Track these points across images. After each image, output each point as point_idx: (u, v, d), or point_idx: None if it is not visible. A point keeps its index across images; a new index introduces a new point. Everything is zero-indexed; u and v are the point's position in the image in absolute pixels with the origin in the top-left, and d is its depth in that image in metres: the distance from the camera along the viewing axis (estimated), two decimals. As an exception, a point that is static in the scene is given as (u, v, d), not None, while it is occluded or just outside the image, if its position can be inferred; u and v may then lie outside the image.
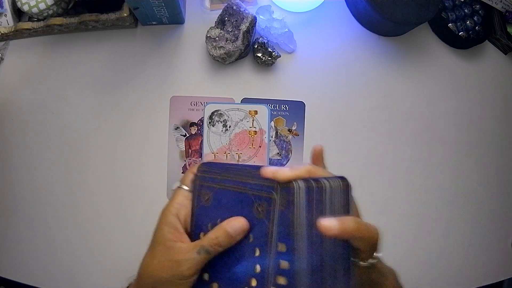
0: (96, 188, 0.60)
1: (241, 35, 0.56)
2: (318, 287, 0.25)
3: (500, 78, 0.67)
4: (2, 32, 0.58)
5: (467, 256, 0.63)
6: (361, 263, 0.28)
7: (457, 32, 0.64)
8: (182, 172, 0.61)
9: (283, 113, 0.62)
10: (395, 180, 0.63)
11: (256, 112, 0.60)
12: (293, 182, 0.26)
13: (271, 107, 0.61)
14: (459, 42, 0.65)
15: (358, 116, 0.63)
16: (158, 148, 0.61)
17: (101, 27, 0.60)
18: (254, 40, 0.60)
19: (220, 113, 0.60)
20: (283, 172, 0.26)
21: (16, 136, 0.60)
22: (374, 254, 0.28)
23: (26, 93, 0.61)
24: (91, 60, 0.61)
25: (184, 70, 0.62)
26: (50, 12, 0.57)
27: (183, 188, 0.32)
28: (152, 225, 0.32)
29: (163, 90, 0.61)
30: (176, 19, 0.60)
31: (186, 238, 0.30)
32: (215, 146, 0.60)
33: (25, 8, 0.56)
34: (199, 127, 0.61)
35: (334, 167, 0.62)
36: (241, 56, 0.60)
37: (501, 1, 0.65)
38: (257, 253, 0.27)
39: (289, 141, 0.62)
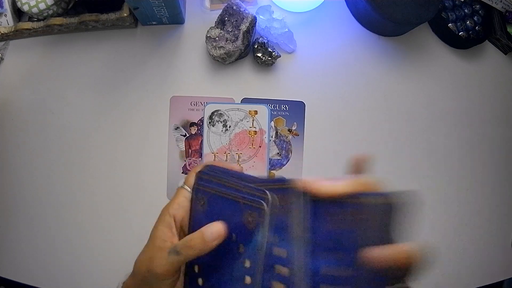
0: (96, 188, 0.60)
1: (241, 35, 0.56)
2: None
3: (500, 78, 0.67)
4: (2, 32, 0.58)
5: (467, 256, 0.64)
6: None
7: (457, 32, 0.64)
8: (182, 172, 0.61)
9: (283, 113, 0.62)
10: (394, 180, 0.63)
11: (256, 112, 0.60)
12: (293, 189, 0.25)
13: (271, 107, 0.61)
14: (459, 42, 0.65)
15: (358, 116, 0.63)
16: (158, 148, 0.61)
17: (101, 27, 0.60)
18: (254, 40, 0.60)
19: (220, 113, 0.60)
20: (323, 187, 0.23)
21: (16, 136, 0.60)
22: (406, 279, 0.24)
23: (26, 93, 0.61)
24: (91, 60, 0.61)
25: (184, 70, 0.62)
26: (50, 12, 0.57)
27: (185, 188, 0.32)
28: (152, 225, 0.32)
29: (163, 90, 0.61)
30: (176, 19, 0.60)
31: (176, 239, 0.30)
32: (215, 146, 0.60)
33: (25, 8, 0.56)
34: (199, 127, 0.61)
35: (334, 167, 0.62)
36: (241, 56, 0.60)
37: (501, 1, 0.65)
38: (247, 264, 0.27)
39: (289, 141, 0.62)
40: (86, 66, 0.61)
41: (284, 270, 0.25)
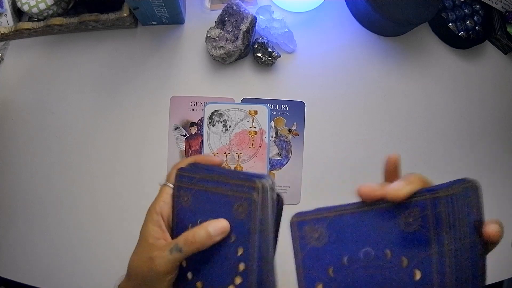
0: (96, 188, 0.60)
1: (241, 35, 0.56)
2: None
3: (500, 78, 0.67)
4: (2, 32, 0.58)
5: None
6: None
7: (457, 32, 0.64)
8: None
9: (283, 113, 0.62)
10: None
11: (256, 112, 0.60)
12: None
13: (271, 107, 0.61)
14: (459, 42, 0.65)
15: (358, 116, 0.63)
16: (158, 148, 0.61)
17: (101, 27, 0.60)
18: (254, 40, 0.60)
19: (220, 113, 0.60)
20: (397, 192, 0.22)
21: (16, 136, 0.60)
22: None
23: (26, 93, 0.61)
24: (91, 60, 0.61)
25: (184, 70, 0.62)
26: (50, 12, 0.57)
27: (168, 185, 0.32)
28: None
29: (163, 90, 0.61)
30: (176, 19, 0.60)
31: (168, 236, 0.30)
32: (215, 146, 0.60)
33: (25, 8, 0.56)
34: (199, 127, 0.61)
35: (334, 167, 0.62)
36: (241, 56, 0.60)
37: (501, 1, 0.65)
38: (240, 251, 0.27)
39: (289, 141, 0.62)
40: (86, 66, 0.61)
41: (241, 266, 0.26)
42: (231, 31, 0.57)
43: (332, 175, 0.62)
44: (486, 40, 0.66)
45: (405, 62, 0.65)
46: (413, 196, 0.23)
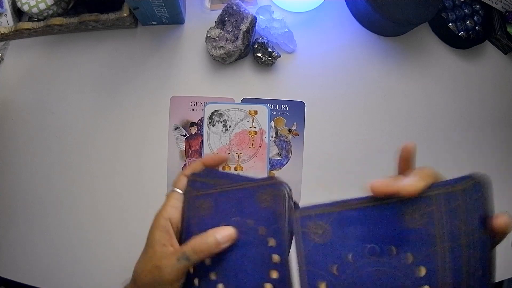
0: (96, 188, 0.60)
1: (241, 35, 0.56)
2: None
3: (500, 78, 0.67)
4: (2, 32, 0.58)
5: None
6: None
7: (457, 32, 0.64)
8: (182, 172, 0.61)
9: (283, 113, 0.62)
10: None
11: (256, 112, 0.60)
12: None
13: (271, 107, 0.61)
14: (459, 42, 0.65)
15: (358, 116, 0.63)
16: (158, 148, 0.61)
17: (101, 27, 0.60)
18: (254, 40, 0.60)
19: (220, 113, 0.60)
20: (411, 187, 0.22)
21: (16, 136, 0.60)
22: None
23: (26, 93, 0.61)
24: (91, 60, 0.61)
25: (184, 70, 0.62)
26: (50, 12, 0.57)
27: (176, 191, 0.32)
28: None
29: (163, 90, 0.61)
30: (176, 19, 0.60)
31: (175, 242, 0.30)
32: (215, 146, 0.60)
33: (25, 8, 0.56)
34: (199, 127, 0.61)
35: (334, 167, 0.62)
36: (241, 56, 0.60)
37: (501, 1, 0.65)
38: (272, 242, 0.26)
39: (289, 141, 0.62)
40: (86, 66, 0.61)
41: (275, 258, 0.25)
42: (231, 31, 0.57)
43: (332, 175, 0.62)
44: (486, 40, 0.66)
45: (405, 62, 0.65)
46: (428, 190, 0.22)
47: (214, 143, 0.60)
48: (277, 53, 0.60)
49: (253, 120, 0.60)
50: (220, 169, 0.34)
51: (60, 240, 0.59)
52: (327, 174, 0.62)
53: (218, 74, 0.62)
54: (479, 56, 0.67)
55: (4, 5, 0.57)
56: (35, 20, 0.58)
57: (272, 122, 0.61)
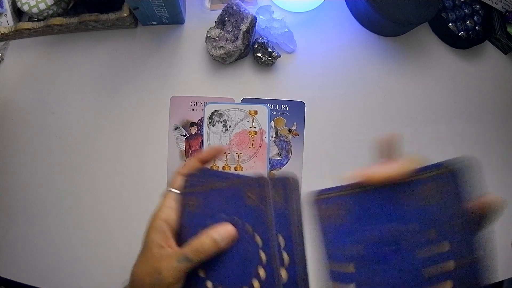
0: (96, 188, 0.60)
1: (241, 35, 0.56)
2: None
3: (500, 78, 0.67)
4: (2, 32, 0.58)
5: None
6: None
7: (457, 32, 0.64)
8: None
9: (283, 113, 0.62)
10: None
11: (256, 112, 0.60)
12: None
13: (271, 107, 0.61)
14: (459, 42, 0.65)
15: (358, 116, 0.63)
16: (158, 148, 0.61)
17: (101, 27, 0.60)
18: (254, 40, 0.60)
19: (220, 113, 0.60)
20: (400, 170, 0.23)
21: (16, 136, 0.60)
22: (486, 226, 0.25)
23: (26, 93, 0.61)
24: (91, 60, 0.61)
25: (184, 70, 0.62)
26: (50, 12, 0.57)
27: (172, 191, 0.31)
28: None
29: (163, 90, 0.61)
30: (176, 19, 0.60)
31: (173, 243, 0.29)
32: (215, 146, 0.60)
33: (25, 8, 0.56)
34: (199, 127, 0.61)
35: (334, 167, 0.62)
36: (241, 56, 0.60)
37: (501, 1, 0.65)
38: (258, 240, 0.26)
39: (289, 141, 0.62)
40: (86, 66, 0.61)
41: (263, 256, 0.25)
42: (231, 31, 0.57)
43: (332, 175, 0.62)
44: (486, 40, 0.66)
45: (405, 62, 0.65)
46: (417, 174, 0.24)
47: (214, 143, 0.60)
48: (277, 53, 0.60)
49: (253, 120, 0.60)
50: (220, 168, 0.34)
51: (60, 240, 0.59)
52: (327, 174, 0.62)
53: (218, 74, 0.62)
54: (479, 56, 0.67)
55: (4, 5, 0.57)
56: (35, 20, 0.58)
57: (272, 122, 0.61)
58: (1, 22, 0.58)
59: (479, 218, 0.23)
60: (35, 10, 0.56)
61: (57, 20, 0.57)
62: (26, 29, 0.58)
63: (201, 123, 0.61)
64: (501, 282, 0.65)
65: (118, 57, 0.61)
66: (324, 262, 0.25)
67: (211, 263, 0.28)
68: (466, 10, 0.65)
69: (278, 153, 0.62)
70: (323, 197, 0.26)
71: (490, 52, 0.68)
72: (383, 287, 0.23)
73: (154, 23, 0.61)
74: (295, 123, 0.62)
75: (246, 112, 0.60)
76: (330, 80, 0.63)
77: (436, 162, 0.25)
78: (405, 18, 0.58)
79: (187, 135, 0.61)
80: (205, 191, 0.29)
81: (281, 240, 0.26)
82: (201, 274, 0.29)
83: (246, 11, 0.57)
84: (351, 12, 0.64)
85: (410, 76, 0.65)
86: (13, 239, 0.59)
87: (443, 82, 0.66)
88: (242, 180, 0.27)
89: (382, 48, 0.64)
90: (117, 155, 0.61)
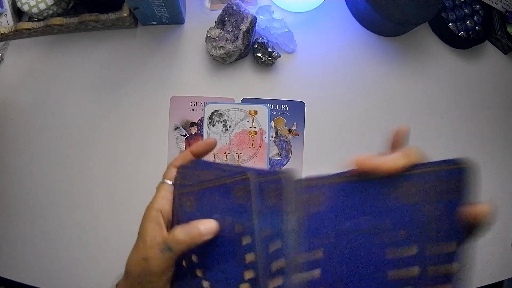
0: (96, 188, 0.60)
1: (241, 35, 0.56)
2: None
3: (500, 78, 0.67)
4: (2, 32, 0.58)
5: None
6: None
7: (457, 32, 0.64)
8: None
9: (283, 113, 0.62)
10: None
11: (256, 112, 0.60)
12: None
13: (271, 107, 0.61)
14: (459, 42, 0.65)
15: (358, 116, 0.63)
16: (158, 148, 0.61)
17: (101, 27, 0.60)
18: (254, 40, 0.60)
19: (220, 113, 0.60)
20: (390, 162, 0.23)
21: (16, 136, 0.60)
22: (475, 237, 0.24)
23: (26, 93, 0.61)
24: (91, 60, 0.61)
25: (184, 70, 0.62)
26: (50, 12, 0.57)
27: (166, 182, 0.32)
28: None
29: (163, 90, 0.61)
30: (176, 19, 0.60)
31: (165, 233, 0.30)
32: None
33: (25, 8, 0.56)
34: (199, 127, 0.61)
35: (334, 167, 0.62)
36: (241, 56, 0.60)
37: (501, 1, 0.65)
38: (246, 240, 0.26)
39: (289, 141, 0.62)
40: (86, 66, 0.61)
41: (249, 257, 0.25)
42: (231, 31, 0.57)
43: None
44: (486, 40, 0.66)
45: (405, 62, 0.65)
46: (411, 169, 0.23)
47: (214, 143, 0.60)
48: (277, 53, 0.60)
49: (253, 120, 0.60)
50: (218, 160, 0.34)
51: (60, 240, 0.59)
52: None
53: (218, 74, 0.62)
54: (479, 56, 0.67)
55: (4, 5, 0.57)
56: (35, 20, 0.58)
57: (272, 122, 0.61)
58: (1, 22, 0.58)
59: (465, 228, 0.22)
60: (35, 10, 0.56)
61: (57, 20, 0.57)
62: (26, 29, 0.58)
63: (201, 123, 0.61)
64: (501, 282, 0.65)
65: (118, 57, 0.61)
66: (294, 254, 0.25)
67: (207, 263, 0.28)
68: (466, 10, 0.65)
69: (278, 153, 0.62)
70: (306, 185, 0.26)
71: (490, 52, 0.68)
72: (347, 280, 0.23)
73: (154, 23, 0.61)
74: (295, 123, 0.62)
75: (246, 112, 0.60)
76: (330, 80, 0.63)
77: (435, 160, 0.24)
78: (405, 18, 0.58)
79: (187, 135, 0.61)
80: (199, 190, 0.29)
81: (269, 233, 0.26)
82: (199, 274, 0.29)
83: (246, 11, 0.57)
84: (351, 12, 0.64)
85: (410, 76, 0.65)
86: (13, 239, 0.59)
87: (443, 82, 0.66)
88: (230, 179, 0.27)
89: (382, 48, 0.64)
90: (117, 155, 0.61)
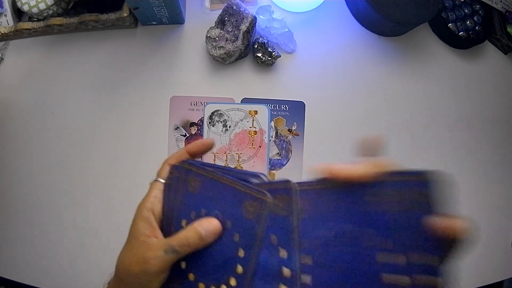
0: (96, 188, 0.60)
1: (241, 35, 0.56)
2: None
3: (500, 78, 0.67)
4: (2, 32, 0.58)
5: (467, 256, 0.63)
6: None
7: (457, 32, 0.64)
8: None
9: (283, 113, 0.62)
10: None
11: (256, 112, 0.60)
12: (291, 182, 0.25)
13: (271, 107, 0.61)
14: (459, 42, 0.65)
15: (358, 116, 0.63)
16: (158, 148, 0.61)
17: (101, 27, 0.60)
18: (254, 40, 0.60)
19: (220, 113, 0.60)
20: (360, 170, 0.23)
21: (16, 136, 0.60)
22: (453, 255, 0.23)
23: (26, 93, 0.61)
24: (91, 60, 0.61)
25: (184, 70, 0.62)
26: (50, 12, 0.57)
27: (159, 181, 0.32)
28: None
29: (163, 90, 0.61)
30: (176, 19, 0.60)
31: (159, 233, 0.30)
32: (215, 146, 0.60)
33: (25, 8, 0.56)
34: (199, 127, 0.61)
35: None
36: (241, 56, 0.60)
37: (501, 1, 0.65)
38: (241, 253, 0.26)
39: (289, 141, 0.62)
40: (86, 66, 0.61)
41: (286, 272, 0.25)
42: (231, 31, 0.57)
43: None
44: (486, 40, 0.66)
45: (405, 62, 0.65)
46: (382, 178, 0.23)
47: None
48: (277, 53, 0.60)
49: (253, 120, 0.60)
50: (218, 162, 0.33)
51: (60, 240, 0.59)
52: (327, 174, 0.62)
53: (218, 74, 0.62)
54: (479, 56, 0.67)
55: (4, 5, 0.57)
56: (35, 20, 0.58)
57: (272, 122, 0.61)
58: (1, 22, 0.58)
59: (442, 242, 0.22)
60: (35, 10, 0.56)
61: (57, 20, 0.57)
62: (26, 29, 0.58)
63: (201, 123, 0.61)
64: (501, 282, 0.65)
65: (118, 57, 0.61)
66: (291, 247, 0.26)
67: (199, 263, 0.28)
68: (466, 10, 0.65)
69: (278, 153, 0.62)
70: (302, 189, 0.26)
71: (490, 52, 0.68)
72: (340, 286, 0.23)
73: (154, 23, 0.61)
74: (295, 123, 0.62)
75: (246, 112, 0.60)
76: (330, 80, 0.63)
77: (417, 168, 0.23)
78: (405, 18, 0.58)
79: (187, 135, 0.61)
80: (209, 178, 0.29)
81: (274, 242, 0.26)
82: (183, 266, 0.29)
83: (246, 11, 0.57)
84: (351, 12, 0.64)
85: (410, 76, 0.65)
86: (13, 239, 0.59)
87: (443, 82, 0.66)
88: (246, 188, 0.27)
89: (382, 48, 0.65)
90: (117, 155, 0.61)
